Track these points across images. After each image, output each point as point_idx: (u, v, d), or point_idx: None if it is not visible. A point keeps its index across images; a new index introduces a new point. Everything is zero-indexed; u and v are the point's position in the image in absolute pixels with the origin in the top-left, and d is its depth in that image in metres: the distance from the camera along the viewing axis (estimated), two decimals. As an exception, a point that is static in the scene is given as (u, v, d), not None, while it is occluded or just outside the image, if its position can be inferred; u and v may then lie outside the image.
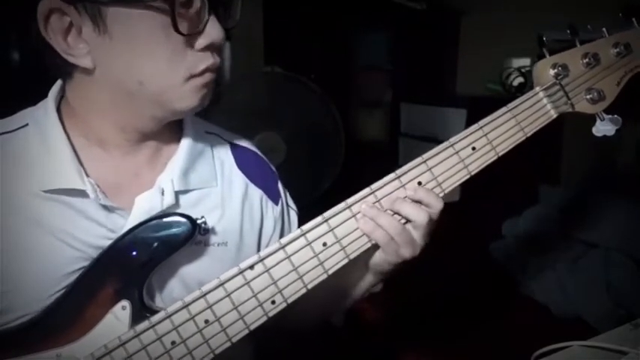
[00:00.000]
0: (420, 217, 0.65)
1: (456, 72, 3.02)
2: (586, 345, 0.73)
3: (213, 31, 0.60)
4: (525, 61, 2.57)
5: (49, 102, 0.66)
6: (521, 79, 2.52)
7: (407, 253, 0.66)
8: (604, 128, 0.74)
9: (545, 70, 0.72)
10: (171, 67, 0.59)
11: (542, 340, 0.73)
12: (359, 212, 0.65)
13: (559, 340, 0.73)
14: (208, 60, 0.61)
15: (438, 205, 0.66)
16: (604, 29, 0.74)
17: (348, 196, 0.66)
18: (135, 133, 0.66)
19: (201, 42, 0.60)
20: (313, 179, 2.06)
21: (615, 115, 0.74)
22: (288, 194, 0.84)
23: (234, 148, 0.78)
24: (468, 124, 0.70)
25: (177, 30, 0.56)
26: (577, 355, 0.72)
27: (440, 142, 0.70)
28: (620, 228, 1.92)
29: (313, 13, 2.54)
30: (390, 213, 0.66)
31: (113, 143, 0.66)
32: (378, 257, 0.69)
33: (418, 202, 0.66)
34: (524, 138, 0.70)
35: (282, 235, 0.79)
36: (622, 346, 0.70)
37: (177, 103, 0.62)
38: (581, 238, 2.00)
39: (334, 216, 0.64)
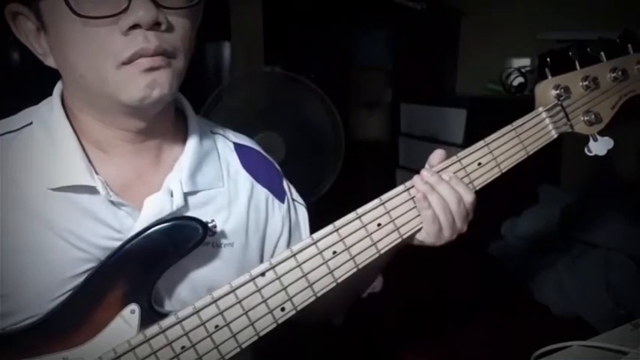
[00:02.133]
0: (453, 201, 0.68)
1: (456, 72, 3.02)
2: (586, 345, 0.73)
3: (138, 10, 0.53)
4: (525, 61, 2.57)
5: (55, 99, 0.65)
6: (521, 79, 2.52)
7: (446, 237, 0.69)
8: (596, 149, 0.77)
9: (548, 91, 0.74)
10: (97, 55, 0.55)
11: (542, 340, 0.73)
12: (369, 223, 0.66)
13: (559, 340, 0.73)
14: (137, 44, 0.54)
15: (468, 196, 0.69)
16: (602, 53, 0.76)
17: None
18: (127, 133, 0.64)
19: (123, 23, 0.53)
20: (313, 179, 2.06)
21: (607, 137, 0.77)
22: (293, 190, 0.83)
23: (239, 147, 0.77)
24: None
25: (73, 11, 0.52)
26: (577, 355, 0.72)
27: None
28: (620, 228, 1.92)
29: (313, 13, 2.54)
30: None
31: (109, 143, 0.65)
32: (417, 237, 0.70)
33: None
34: (526, 156, 0.73)
35: (291, 232, 0.79)
36: (622, 346, 0.70)
37: (119, 94, 0.57)
38: (581, 238, 2.00)
39: (345, 225, 0.65)
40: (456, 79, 3.02)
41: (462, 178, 0.70)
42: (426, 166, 0.71)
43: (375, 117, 2.96)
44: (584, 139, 0.77)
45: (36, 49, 0.60)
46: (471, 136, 0.72)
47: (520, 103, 2.47)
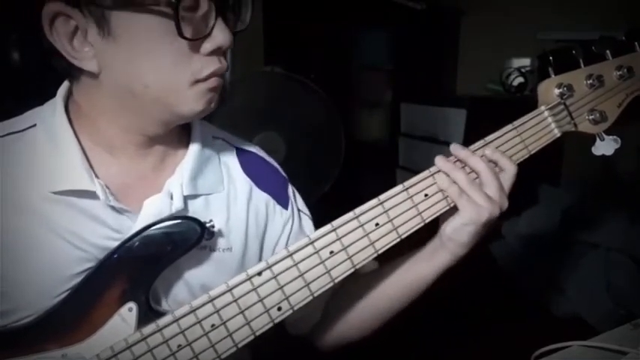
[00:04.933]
0: (485, 171, 0.67)
1: (456, 72, 3.02)
2: (586, 345, 0.73)
3: (220, 36, 0.58)
4: (525, 61, 2.57)
5: (58, 102, 0.66)
6: (521, 79, 2.52)
7: (485, 209, 0.66)
8: (603, 148, 0.76)
9: (550, 89, 0.74)
10: (176, 71, 0.58)
11: (542, 340, 0.73)
12: (367, 222, 0.65)
13: (559, 340, 0.73)
14: (215, 65, 0.60)
15: (510, 168, 0.69)
16: (607, 51, 0.75)
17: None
18: (142, 137, 0.65)
19: (207, 46, 0.58)
20: (313, 179, 2.06)
21: (615, 136, 0.76)
22: (300, 199, 0.83)
23: (240, 152, 0.78)
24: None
25: (181, 35, 0.55)
26: (577, 355, 0.72)
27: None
28: (620, 228, 1.92)
29: (313, 13, 2.54)
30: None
31: (120, 146, 0.65)
32: (455, 223, 0.68)
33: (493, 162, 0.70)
34: (527, 155, 0.72)
35: (290, 240, 0.78)
36: (622, 346, 0.70)
37: (182, 107, 0.61)
38: (581, 238, 2.00)
39: (342, 225, 0.64)
40: (456, 79, 3.03)
41: None
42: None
43: (375, 117, 2.96)
44: (588, 140, 0.77)
45: (67, 51, 0.59)
46: (471, 136, 0.71)
47: (520, 103, 2.47)
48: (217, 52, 0.60)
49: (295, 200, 0.81)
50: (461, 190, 0.67)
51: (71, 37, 0.58)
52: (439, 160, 0.69)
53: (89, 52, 0.58)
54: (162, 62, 0.58)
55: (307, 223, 0.82)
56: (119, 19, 0.56)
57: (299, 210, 0.81)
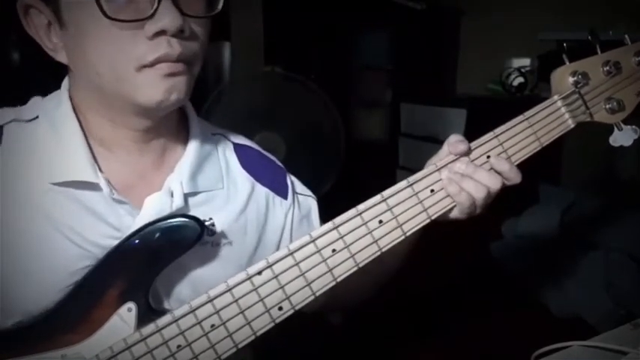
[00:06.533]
0: (495, 184, 0.66)
1: (456, 72, 3.02)
2: (586, 345, 0.73)
3: (165, 17, 0.55)
4: (525, 61, 2.57)
5: (63, 94, 0.66)
6: (521, 79, 2.52)
7: (477, 212, 0.69)
8: (621, 139, 0.72)
9: (565, 78, 0.70)
10: (119, 56, 0.56)
11: (542, 340, 0.73)
12: (370, 220, 0.64)
13: (559, 340, 0.73)
14: (162, 49, 0.56)
15: (517, 180, 0.67)
16: (626, 36, 0.71)
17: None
18: (134, 132, 0.65)
19: (150, 29, 0.55)
20: (313, 179, 2.05)
21: (634, 126, 0.72)
22: (298, 184, 0.83)
23: (238, 148, 0.78)
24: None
25: (105, 15, 0.53)
26: (577, 355, 0.72)
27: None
28: (620, 228, 1.92)
29: (313, 13, 2.54)
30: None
31: (115, 142, 0.65)
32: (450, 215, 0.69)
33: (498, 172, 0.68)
34: (539, 148, 0.69)
35: (294, 227, 0.78)
36: (622, 346, 0.70)
37: (137, 95, 0.58)
38: (581, 237, 1.99)
39: (344, 223, 0.63)
40: (456, 79, 3.03)
41: None
42: (446, 148, 0.69)
43: (375, 117, 2.95)
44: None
45: (45, 44, 0.60)
46: (471, 136, 0.71)
47: (520, 103, 2.46)
48: (163, 34, 0.56)
49: (294, 186, 0.81)
50: (473, 199, 0.66)
51: (47, 30, 0.60)
52: (460, 165, 0.67)
53: (58, 43, 0.60)
54: (106, 48, 0.56)
55: (309, 203, 0.82)
56: (65, 7, 0.57)
57: (298, 193, 0.81)
